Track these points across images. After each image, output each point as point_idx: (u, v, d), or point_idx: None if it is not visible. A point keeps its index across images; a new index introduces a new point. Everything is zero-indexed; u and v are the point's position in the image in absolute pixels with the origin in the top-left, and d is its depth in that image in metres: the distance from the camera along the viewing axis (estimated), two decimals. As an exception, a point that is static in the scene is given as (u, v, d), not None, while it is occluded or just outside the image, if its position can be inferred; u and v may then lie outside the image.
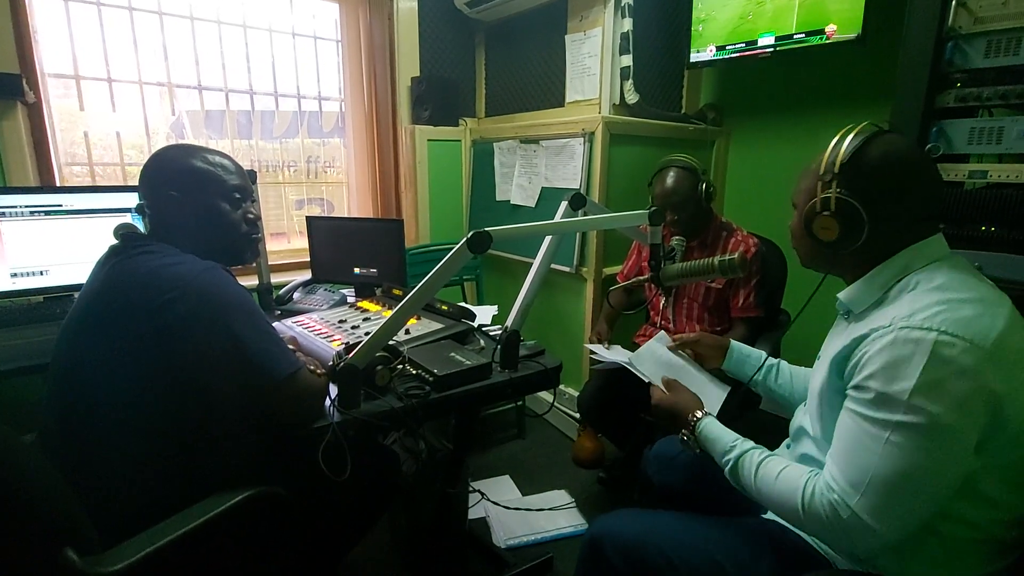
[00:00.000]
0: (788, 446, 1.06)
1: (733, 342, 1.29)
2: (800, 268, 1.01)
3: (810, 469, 0.84)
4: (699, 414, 1.02)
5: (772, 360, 1.22)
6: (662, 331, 1.50)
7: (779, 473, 0.86)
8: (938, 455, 0.73)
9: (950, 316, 0.74)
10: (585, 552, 1.07)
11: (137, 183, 1.07)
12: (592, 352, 1.70)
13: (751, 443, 0.94)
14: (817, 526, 0.80)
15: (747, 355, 1.26)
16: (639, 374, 1.29)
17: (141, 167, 1.06)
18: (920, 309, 0.76)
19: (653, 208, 1.35)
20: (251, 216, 1.13)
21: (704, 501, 1.17)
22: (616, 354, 1.53)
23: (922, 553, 0.81)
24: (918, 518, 0.75)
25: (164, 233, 1.03)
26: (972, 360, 0.72)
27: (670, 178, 1.76)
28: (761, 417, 1.45)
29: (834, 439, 0.82)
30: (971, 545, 0.80)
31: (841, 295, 0.90)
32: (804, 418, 1.00)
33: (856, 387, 0.79)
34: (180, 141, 2.25)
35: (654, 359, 1.33)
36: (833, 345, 0.88)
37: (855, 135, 0.86)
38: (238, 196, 1.11)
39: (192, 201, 1.04)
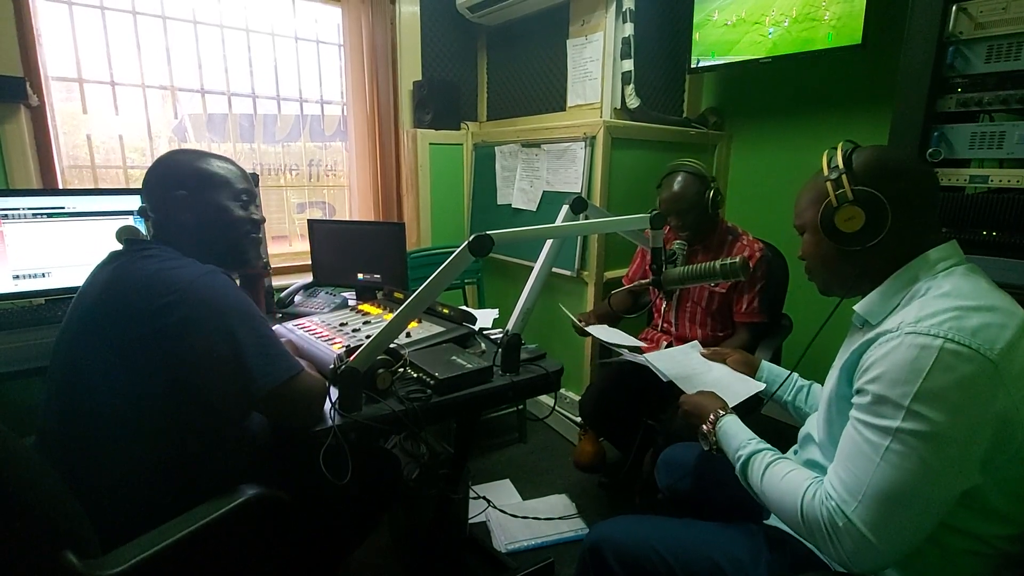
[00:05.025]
0: (795, 452, 1.05)
1: (764, 362, 1.29)
2: (803, 273, 1.00)
3: (815, 475, 0.84)
4: (722, 412, 1.02)
5: (803, 381, 1.21)
6: (695, 341, 1.51)
7: (785, 475, 0.86)
8: (937, 465, 0.72)
9: (957, 323, 0.73)
10: (584, 559, 1.07)
11: (141, 186, 1.07)
12: (576, 323, 1.66)
13: (765, 444, 0.94)
14: (814, 532, 0.79)
15: (778, 375, 1.26)
16: (658, 372, 1.30)
17: (144, 171, 1.06)
18: (928, 315, 0.75)
19: (654, 211, 1.36)
20: (255, 218, 1.14)
21: (712, 507, 1.17)
22: (602, 332, 1.52)
23: (923, 564, 0.80)
24: (916, 533, 0.74)
25: (167, 236, 1.04)
26: (977, 370, 0.71)
27: (677, 183, 1.75)
28: (762, 420, 1.44)
29: (838, 447, 0.81)
30: (975, 558, 0.79)
31: (857, 307, 0.89)
32: (813, 425, 0.99)
33: (859, 391, 0.79)
34: (184, 146, 2.25)
35: (674, 361, 1.33)
36: (845, 353, 0.88)
37: (842, 145, 0.89)
38: (245, 198, 1.12)
39: (200, 200, 1.05)
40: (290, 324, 1.50)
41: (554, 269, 1.79)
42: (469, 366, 1.19)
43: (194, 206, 1.04)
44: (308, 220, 1.99)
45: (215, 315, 0.91)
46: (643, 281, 1.47)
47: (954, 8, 1.27)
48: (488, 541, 1.77)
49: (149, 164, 1.08)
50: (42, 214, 1.64)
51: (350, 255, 1.90)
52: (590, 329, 1.57)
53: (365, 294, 1.86)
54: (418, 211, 2.66)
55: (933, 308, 0.76)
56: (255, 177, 1.92)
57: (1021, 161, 1.25)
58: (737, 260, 1.24)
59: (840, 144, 0.89)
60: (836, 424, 0.87)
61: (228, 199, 1.09)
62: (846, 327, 0.96)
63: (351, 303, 1.79)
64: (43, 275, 1.67)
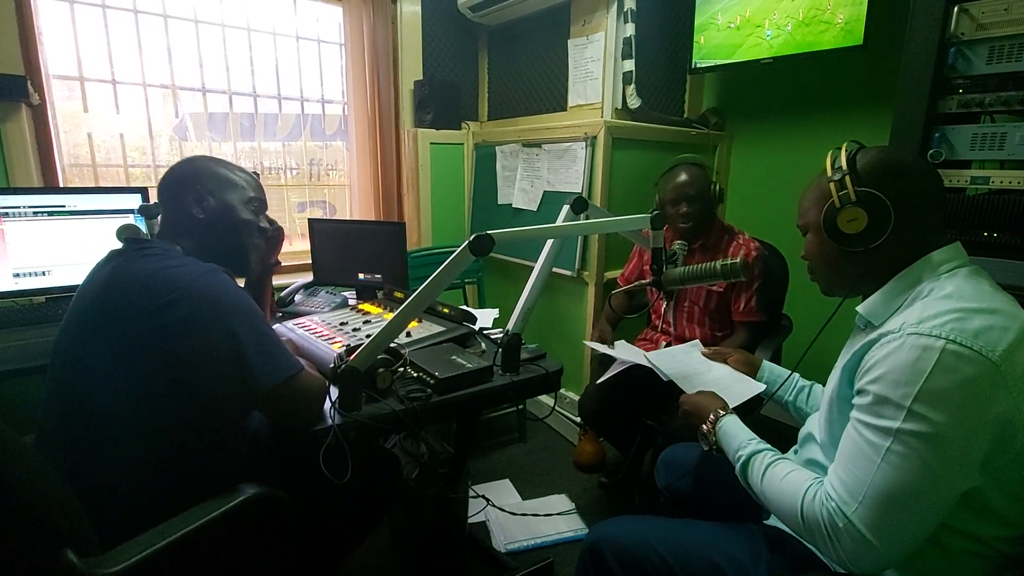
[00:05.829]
0: (795, 452, 1.05)
1: (765, 362, 1.29)
2: (803, 274, 1.00)
3: (815, 476, 0.84)
4: (722, 412, 1.03)
5: (804, 382, 1.21)
6: (696, 340, 1.50)
7: (785, 476, 0.86)
8: (938, 466, 0.71)
9: (959, 325, 0.73)
10: (584, 559, 1.07)
11: (157, 185, 1.10)
12: (594, 350, 1.69)
13: (766, 444, 0.94)
14: (814, 533, 0.79)
15: (778, 375, 1.27)
16: (658, 371, 1.29)
17: (145, 170, 1.08)
18: (930, 316, 0.75)
19: (655, 212, 1.36)
20: (262, 225, 1.17)
21: (712, 507, 1.17)
22: (624, 352, 1.52)
23: (923, 565, 0.79)
24: (916, 534, 0.74)
25: (173, 231, 1.06)
26: (979, 371, 0.71)
27: (684, 171, 1.79)
28: (762, 420, 1.45)
29: (838, 448, 0.81)
30: (975, 559, 0.79)
31: (860, 308, 0.89)
32: (814, 425, 0.99)
33: (860, 391, 0.79)
34: (185, 144, 2.25)
35: (675, 360, 1.33)
36: (847, 354, 0.88)
37: (847, 146, 0.88)
38: (256, 205, 1.16)
39: (213, 197, 1.08)
40: (290, 323, 1.50)
41: (554, 269, 1.80)
42: (469, 366, 1.19)
43: (205, 201, 1.07)
44: (308, 219, 1.99)
45: (216, 314, 0.91)
46: (643, 281, 1.47)
47: (955, 9, 1.27)
48: (488, 541, 1.77)
49: (150, 163, 1.10)
50: (43, 212, 1.64)
51: (350, 254, 1.90)
52: (617, 355, 1.54)
53: (365, 293, 1.86)
54: (419, 211, 2.66)
55: (935, 309, 0.76)
56: (255, 176, 1.92)
57: (1022, 163, 1.25)
58: (738, 260, 1.24)
59: (845, 144, 0.89)
60: (837, 425, 0.87)
61: (239, 202, 1.12)
62: (847, 328, 0.96)
63: (351, 302, 1.79)
64: (43, 273, 1.67)
